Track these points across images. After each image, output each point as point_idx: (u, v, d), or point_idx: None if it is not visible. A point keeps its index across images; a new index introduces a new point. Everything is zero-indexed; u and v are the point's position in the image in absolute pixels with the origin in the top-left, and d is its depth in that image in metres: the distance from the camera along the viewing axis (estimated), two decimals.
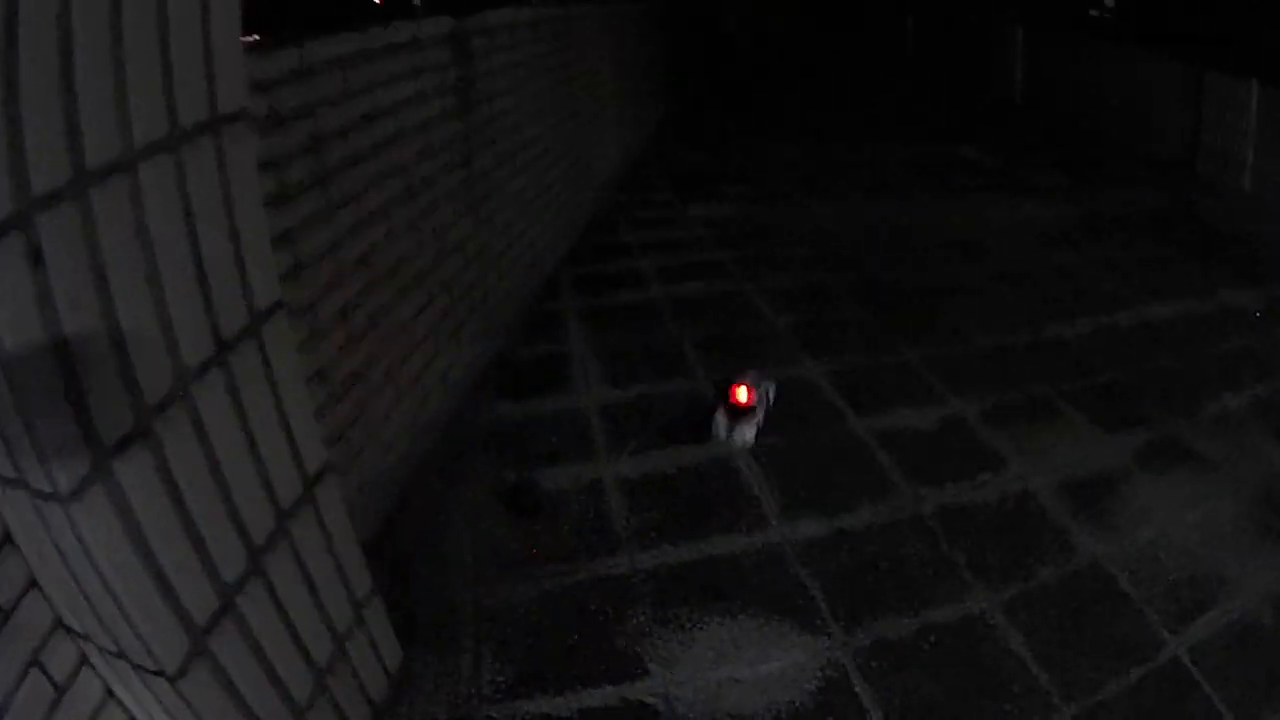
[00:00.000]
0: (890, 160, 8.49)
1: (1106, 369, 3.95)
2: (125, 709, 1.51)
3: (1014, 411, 3.53)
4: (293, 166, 2.06)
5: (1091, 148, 9.17)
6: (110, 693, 1.49)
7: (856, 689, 2.09)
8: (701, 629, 2.29)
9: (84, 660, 1.44)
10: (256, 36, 2.03)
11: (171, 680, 1.33)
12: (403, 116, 2.76)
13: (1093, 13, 11.59)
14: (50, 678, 1.36)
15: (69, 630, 1.41)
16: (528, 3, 4.13)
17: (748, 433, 3.19)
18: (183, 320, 1.35)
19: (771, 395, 3.40)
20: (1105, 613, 2.40)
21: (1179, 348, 4.20)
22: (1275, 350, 4.22)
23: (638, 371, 3.79)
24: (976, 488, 2.98)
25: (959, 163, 8.50)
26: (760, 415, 3.25)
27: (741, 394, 3.20)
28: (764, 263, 5.30)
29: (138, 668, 1.36)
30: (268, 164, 1.94)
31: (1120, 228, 6.27)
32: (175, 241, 1.34)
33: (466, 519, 2.76)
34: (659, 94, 9.81)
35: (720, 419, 3.22)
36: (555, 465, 3.06)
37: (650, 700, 2.06)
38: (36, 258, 1.06)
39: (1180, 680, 2.17)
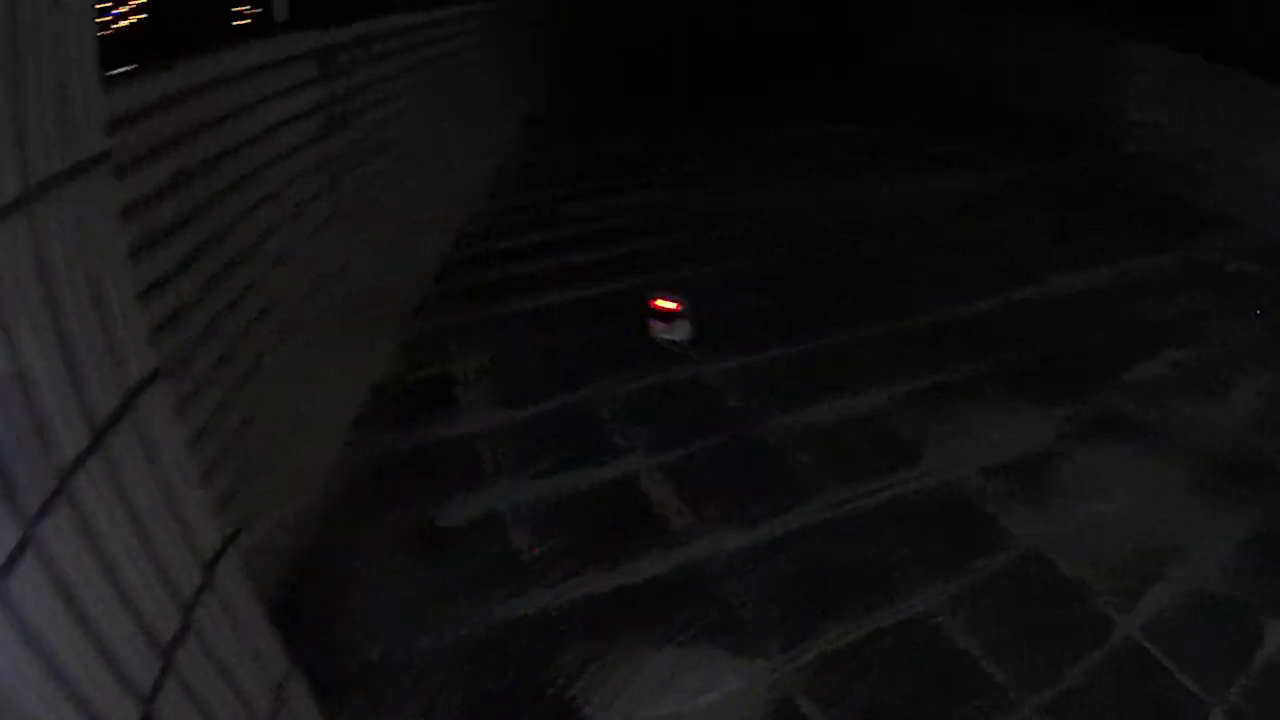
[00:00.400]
0: (788, 141, 8.33)
1: (1026, 343, 4.05)
2: None
3: (934, 395, 3.59)
4: (161, 207, 1.85)
5: (995, 115, 9.30)
6: None
7: (804, 710, 2.10)
8: (633, 664, 2.25)
9: None
10: (132, 65, 1.80)
11: None
12: (274, 142, 2.55)
13: None
14: None
15: None
16: (394, 10, 3.92)
17: (686, 328, 3.27)
18: (54, 412, 1.17)
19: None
20: (1052, 599, 2.48)
21: (1099, 316, 4.33)
22: (1195, 312, 4.46)
23: (531, 389, 3.64)
24: (903, 481, 3.03)
25: (860, 141, 8.41)
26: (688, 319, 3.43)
27: (663, 301, 3.29)
28: (684, 253, 5.20)
29: None
30: (133, 206, 1.73)
31: (1029, 197, 6.44)
32: (35, 319, 1.16)
33: (372, 567, 2.61)
34: (548, 86, 9.56)
35: (656, 325, 3.38)
36: (455, 498, 2.94)
37: None
38: None
39: (1139, 658, 2.26)
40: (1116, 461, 3.18)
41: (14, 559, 1.05)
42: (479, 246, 5.38)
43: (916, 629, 2.38)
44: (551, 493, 2.97)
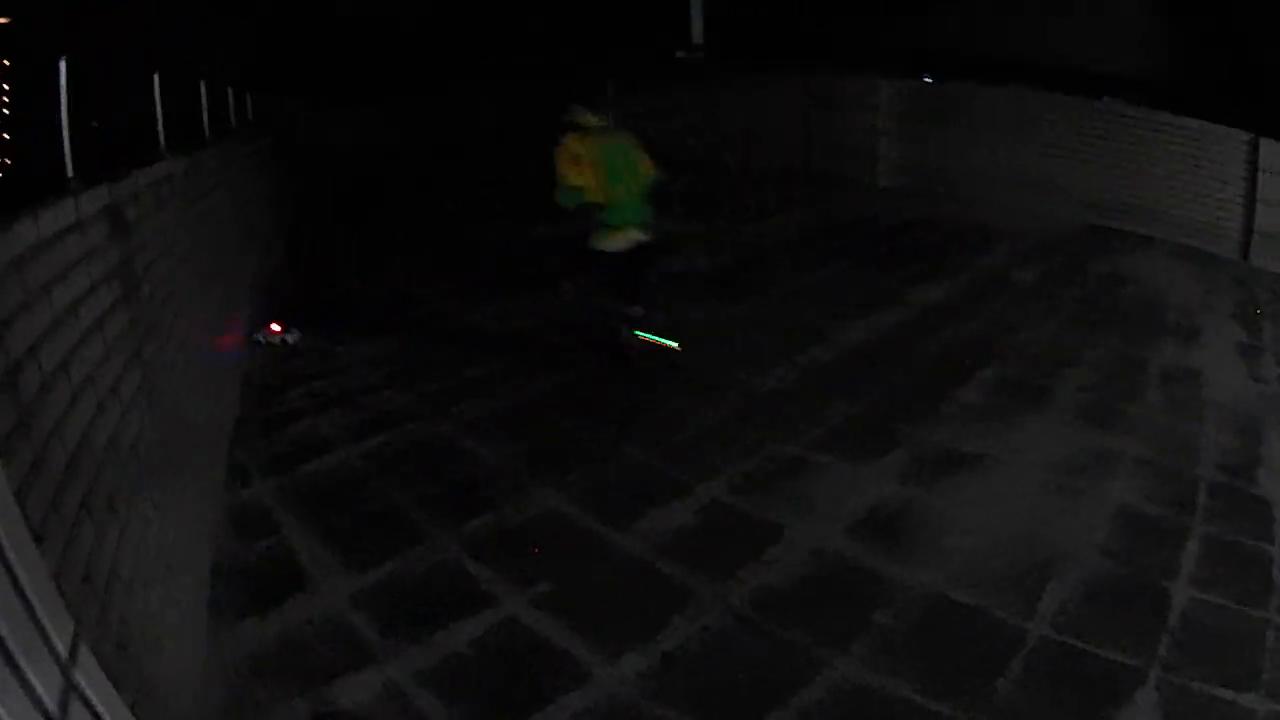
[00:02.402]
0: (511, 241, 8.35)
1: (833, 402, 4.27)
2: None
3: (765, 475, 3.71)
4: None
5: (717, 183, 9.77)
6: None
7: None
8: None
9: None
10: None
11: None
12: (82, 315, 2.21)
13: (680, 54, 12.41)
14: None
15: None
16: (161, 158, 3.59)
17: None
18: None
19: None
20: (958, 627, 2.66)
21: (895, 356, 4.65)
22: (987, 334, 4.94)
23: (370, 547, 3.34)
24: (772, 562, 3.14)
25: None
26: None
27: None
28: (452, 394, 4.89)
29: None
30: None
31: (781, 257, 6.77)
32: None
33: None
34: (286, 213, 9.01)
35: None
36: (342, 680, 2.63)
37: None
38: None
39: (1061, 652, 2.47)
40: (965, 488, 3.48)
41: None
42: (267, 399, 4.91)
43: (849, 695, 2.48)
44: (443, 650, 2.75)
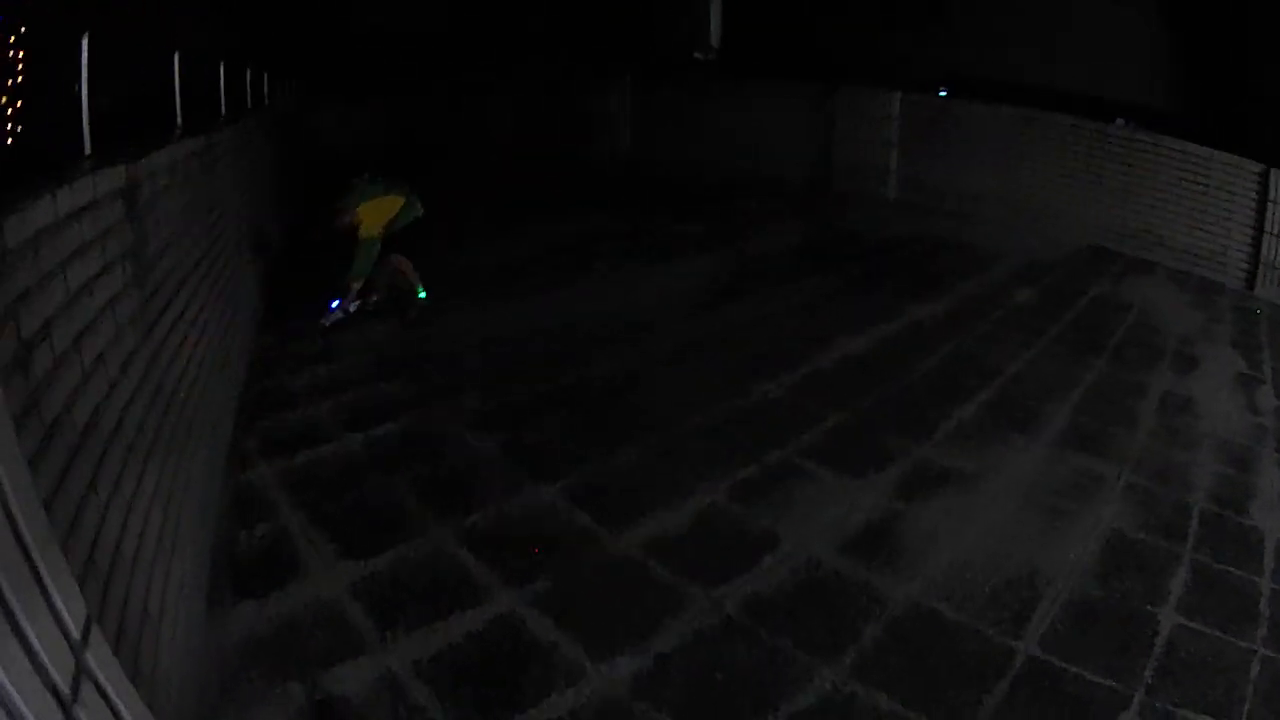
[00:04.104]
0: (523, 246, 8.10)
1: (829, 414, 4.24)
2: None
3: (761, 484, 3.70)
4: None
5: (725, 189, 9.70)
6: None
7: None
8: None
9: None
10: None
11: None
12: (95, 295, 2.21)
13: (697, 56, 12.41)
14: None
15: None
16: (178, 138, 3.59)
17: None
18: None
19: None
20: (946, 644, 2.67)
21: (892, 373, 4.60)
22: (981, 353, 4.86)
23: (370, 536, 3.33)
24: (766, 571, 3.14)
25: (596, 234, 8.42)
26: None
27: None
28: (439, 393, 4.82)
29: None
30: None
31: (780, 269, 6.70)
32: None
33: None
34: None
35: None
36: (337, 668, 2.64)
37: None
38: None
39: (1047, 673, 2.48)
40: (956, 506, 3.47)
41: None
42: (270, 383, 4.92)
43: (835, 704, 2.50)
44: (437, 642, 2.76)
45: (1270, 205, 7.34)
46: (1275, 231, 7.32)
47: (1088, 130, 8.81)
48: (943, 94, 9.32)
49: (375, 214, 5.64)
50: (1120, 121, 8.77)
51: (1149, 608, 2.99)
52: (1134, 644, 2.74)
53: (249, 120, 6.80)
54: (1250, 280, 7.58)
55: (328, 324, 5.75)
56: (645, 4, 13.47)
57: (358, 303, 5.93)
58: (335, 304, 5.79)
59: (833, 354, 5.26)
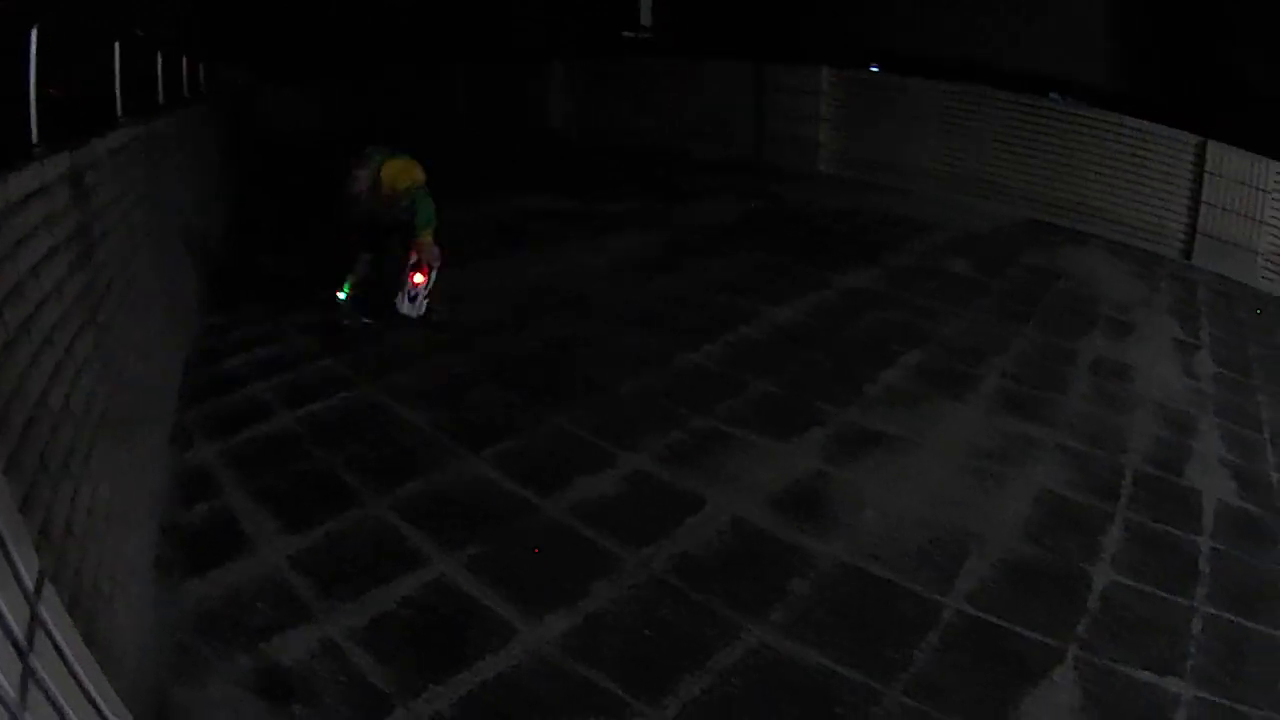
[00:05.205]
0: (465, 221, 7.76)
1: (759, 381, 4.23)
2: None
3: (688, 448, 3.72)
4: None
5: (659, 166, 9.65)
6: None
7: None
8: None
9: None
10: None
11: None
12: (43, 277, 2.30)
13: (627, 34, 12.47)
14: None
15: None
16: (119, 125, 3.63)
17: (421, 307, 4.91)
18: None
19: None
20: (876, 601, 2.69)
21: (823, 340, 4.57)
22: (914, 320, 4.81)
23: (308, 510, 3.40)
24: (692, 531, 3.19)
25: (535, 210, 8.29)
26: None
27: (418, 277, 4.97)
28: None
29: None
30: None
31: (714, 241, 6.65)
32: None
33: None
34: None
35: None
36: (279, 637, 2.75)
37: None
38: None
39: (977, 628, 2.49)
40: (886, 467, 3.48)
41: None
42: (206, 366, 4.87)
43: (762, 659, 2.58)
44: (374, 609, 2.87)
45: (1207, 176, 7.50)
46: (1212, 202, 7.49)
47: (1022, 105, 8.91)
48: (874, 69, 9.50)
49: (400, 171, 5.18)
50: (1054, 96, 8.90)
51: (1084, 566, 2.99)
52: (1068, 601, 2.74)
53: (193, 106, 6.77)
54: (1188, 251, 7.79)
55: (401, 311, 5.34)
56: None
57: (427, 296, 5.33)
58: (409, 296, 5.28)
59: (764, 323, 5.22)
